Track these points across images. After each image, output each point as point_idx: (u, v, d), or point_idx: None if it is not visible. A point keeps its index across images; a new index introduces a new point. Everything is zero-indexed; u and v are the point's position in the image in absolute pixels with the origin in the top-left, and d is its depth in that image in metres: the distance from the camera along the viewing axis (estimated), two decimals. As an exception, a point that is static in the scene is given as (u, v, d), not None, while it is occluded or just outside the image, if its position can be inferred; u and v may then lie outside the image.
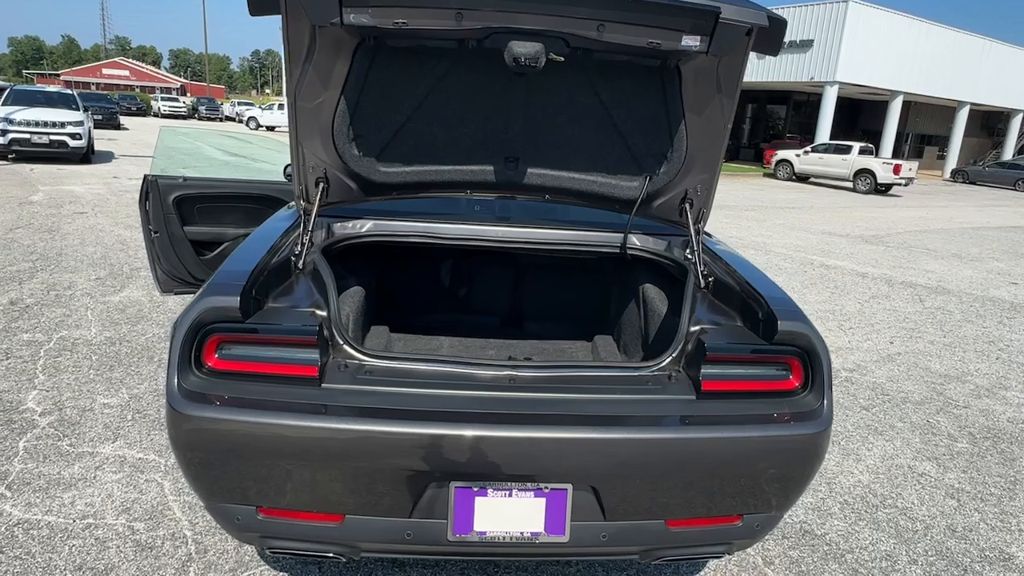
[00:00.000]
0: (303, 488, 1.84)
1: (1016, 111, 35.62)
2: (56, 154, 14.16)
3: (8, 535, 2.48)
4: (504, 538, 1.87)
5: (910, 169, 22.35)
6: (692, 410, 1.94)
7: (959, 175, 31.77)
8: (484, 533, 1.86)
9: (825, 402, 1.98)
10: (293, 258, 2.25)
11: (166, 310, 5.16)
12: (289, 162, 4.93)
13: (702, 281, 2.37)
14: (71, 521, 2.58)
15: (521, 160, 2.45)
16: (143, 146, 21.23)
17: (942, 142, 36.83)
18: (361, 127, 2.31)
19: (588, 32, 1.95)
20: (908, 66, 28.22)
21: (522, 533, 1.88)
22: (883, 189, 22.28)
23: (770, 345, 2.00)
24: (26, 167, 13.40)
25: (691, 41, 1.98)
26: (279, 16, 2.02)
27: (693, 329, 2.11)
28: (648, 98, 2.31)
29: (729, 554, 2.13)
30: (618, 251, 2.69)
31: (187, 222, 4.27)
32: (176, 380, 1.79)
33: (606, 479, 1.86)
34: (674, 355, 2.09)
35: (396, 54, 2.17)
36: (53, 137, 14.01)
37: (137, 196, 10.35)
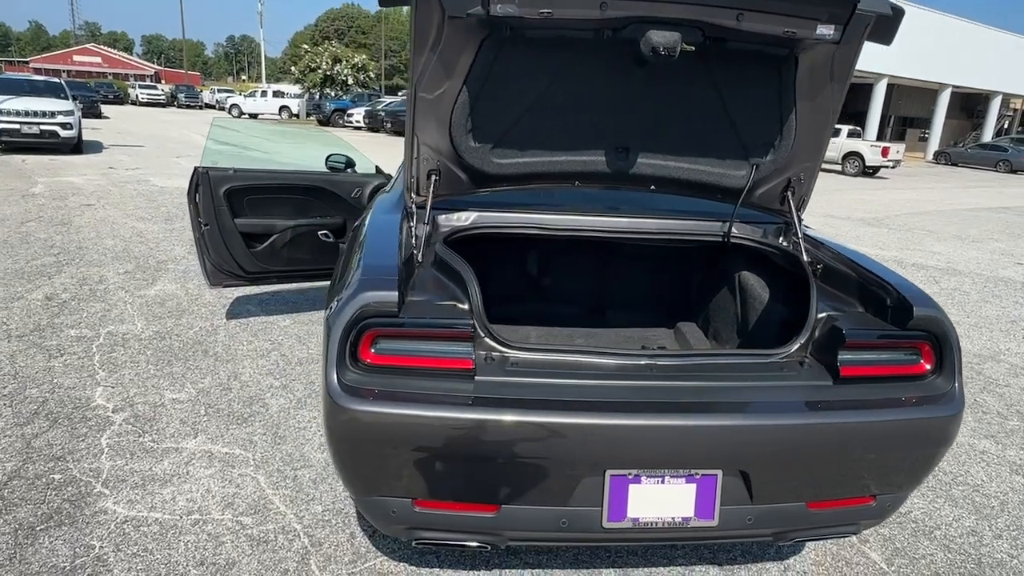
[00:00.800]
0: (461, 480, 1.86)
1: (995, 93, 36.21)
2: (47, 144, 13.84)
3: (119, 532, 2.46)
4: (656, 524, 1.90)
5: (898, 152, 22.67)
6: (832, 395, 1.98)
7: (942, 157, 32.26)
8: (637, 519, 1.90)
9: (956, 385, 2.04)
10: (415, 252, 2.24)
11: (204, 303, 5.10)
12: (331, 153, 4.88)
13: (809, 268, 2.41)
14: (178, 517, 2.57)
15: (631, 150, 2.46)
16: (129, 135, 20.83)
17: (923, 124, 37.35)
18: (479, 118, 2.29)
19: (727, 21, 1.96)
20: (892, 49, 28.33)
21: (673, 519, 1.91)
22: (871, 171, 22.57)
23: (903, 331, 2.05)
24: (16, 158, 13.08)
25: (826, 30, 2.00)
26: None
27: (820, 316, 2.15)
28: (763, 87, 2.32)
29: (856, 534, 2.19)
30: (720, 239, 2.71)
31: (237, 214, 4.22)
32: (335, 375, 1.79)
33: (757, 464, 1.89)
34: (802, 341, 2.13)
35: (522, 45, 2.15)
36: (44, 127, 13.67)
37: (134, 188, 10.23)
